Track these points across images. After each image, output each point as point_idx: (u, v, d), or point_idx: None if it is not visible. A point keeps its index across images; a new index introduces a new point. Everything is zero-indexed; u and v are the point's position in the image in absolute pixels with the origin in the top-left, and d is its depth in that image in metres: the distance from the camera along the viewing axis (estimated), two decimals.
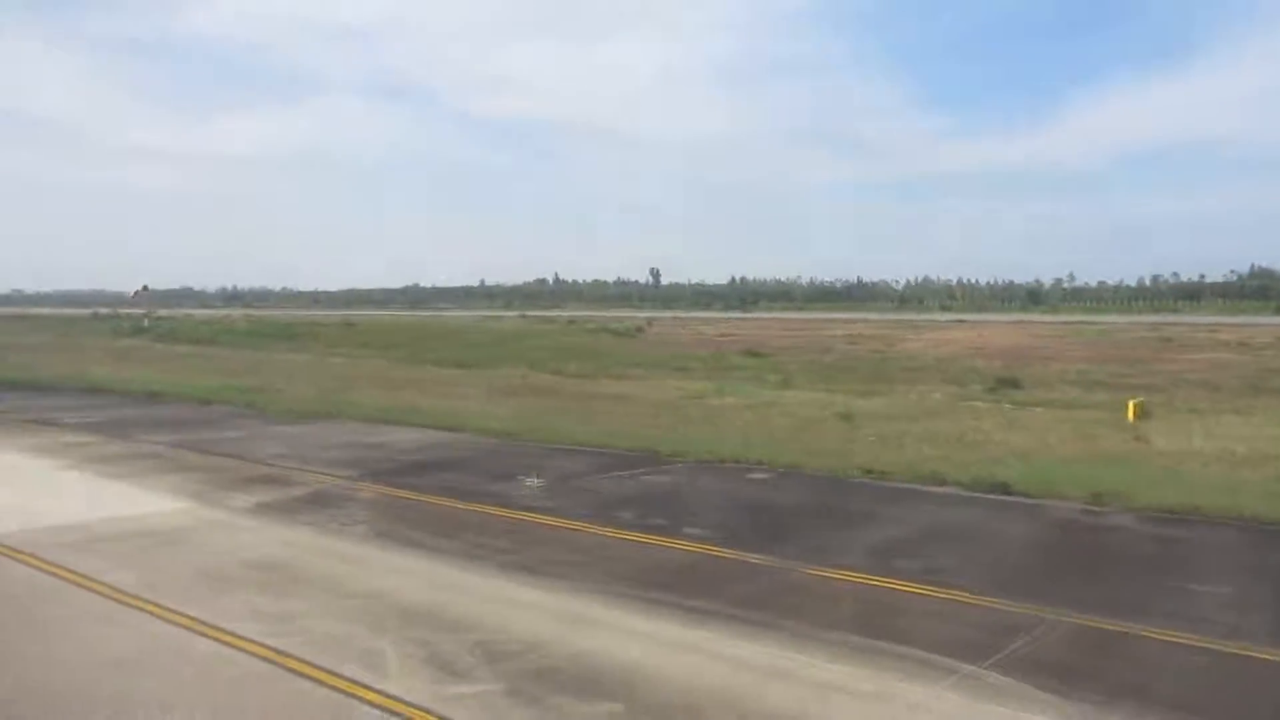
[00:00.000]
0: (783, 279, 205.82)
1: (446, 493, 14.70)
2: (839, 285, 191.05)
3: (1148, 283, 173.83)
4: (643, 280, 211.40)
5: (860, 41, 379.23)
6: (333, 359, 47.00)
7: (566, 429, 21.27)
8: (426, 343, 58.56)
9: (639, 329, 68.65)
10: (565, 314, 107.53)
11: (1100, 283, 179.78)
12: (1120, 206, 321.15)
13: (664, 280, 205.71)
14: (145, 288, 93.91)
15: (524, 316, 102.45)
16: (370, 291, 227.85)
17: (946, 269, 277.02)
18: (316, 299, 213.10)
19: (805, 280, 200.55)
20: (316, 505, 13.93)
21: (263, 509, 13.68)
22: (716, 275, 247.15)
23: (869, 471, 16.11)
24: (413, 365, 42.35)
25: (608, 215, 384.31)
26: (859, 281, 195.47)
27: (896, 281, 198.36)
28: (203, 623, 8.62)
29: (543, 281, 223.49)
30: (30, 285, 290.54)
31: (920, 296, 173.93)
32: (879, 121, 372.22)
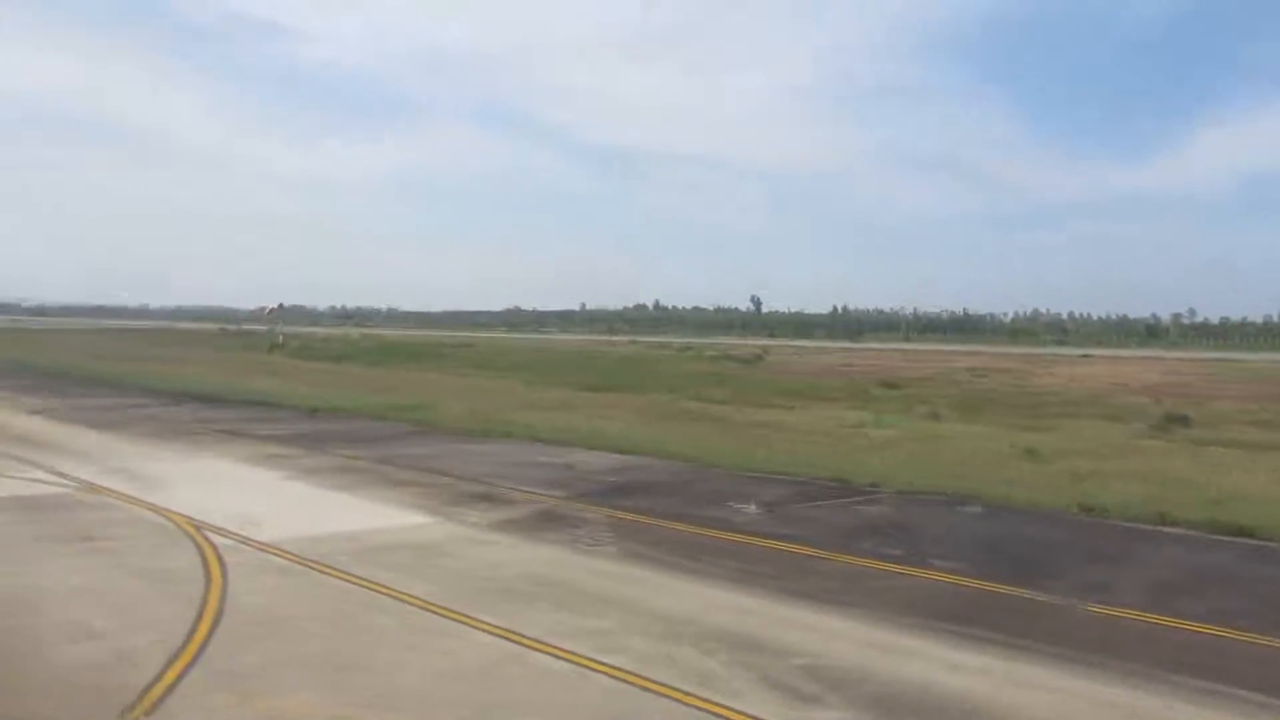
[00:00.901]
0: (885, 309, 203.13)
1: (670, 516, 14.82)
2: (945, 316, 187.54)
3: (1276, 319, 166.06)
4: (743, 307, 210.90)
5: (970, 68, 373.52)
6: (468, 378, 48.01)
7: (746, 455, 21.32)
8: (551, 365, 59.44)
9: (758, 357, 68.39)
10: (677, 340, 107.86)
11: (1223, 319, 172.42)
12: (1241, 238, 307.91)
13: (765, 308, 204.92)
14: (280, 305, 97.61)
15: (634, 342, 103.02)
16: (474, 313, 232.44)
17: (1054, 301, 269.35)
18: (422, 319, 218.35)
19: (909, 311, 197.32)
20: (552, 524, 14.20)
21: (503, 526, 14.02)
22: (817, 304, 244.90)
23: (1089, 509, 15.74)
24: (548, 387, 42.94)
25: (708, 242, 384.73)
26: (965, 314, 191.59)
27: (1004, 314, 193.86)
28: (524, 635, 8.86)
29: (642, 307, 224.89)
30: (144, 300, 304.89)
31: (1031, 329, 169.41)
32: (986, 150, 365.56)
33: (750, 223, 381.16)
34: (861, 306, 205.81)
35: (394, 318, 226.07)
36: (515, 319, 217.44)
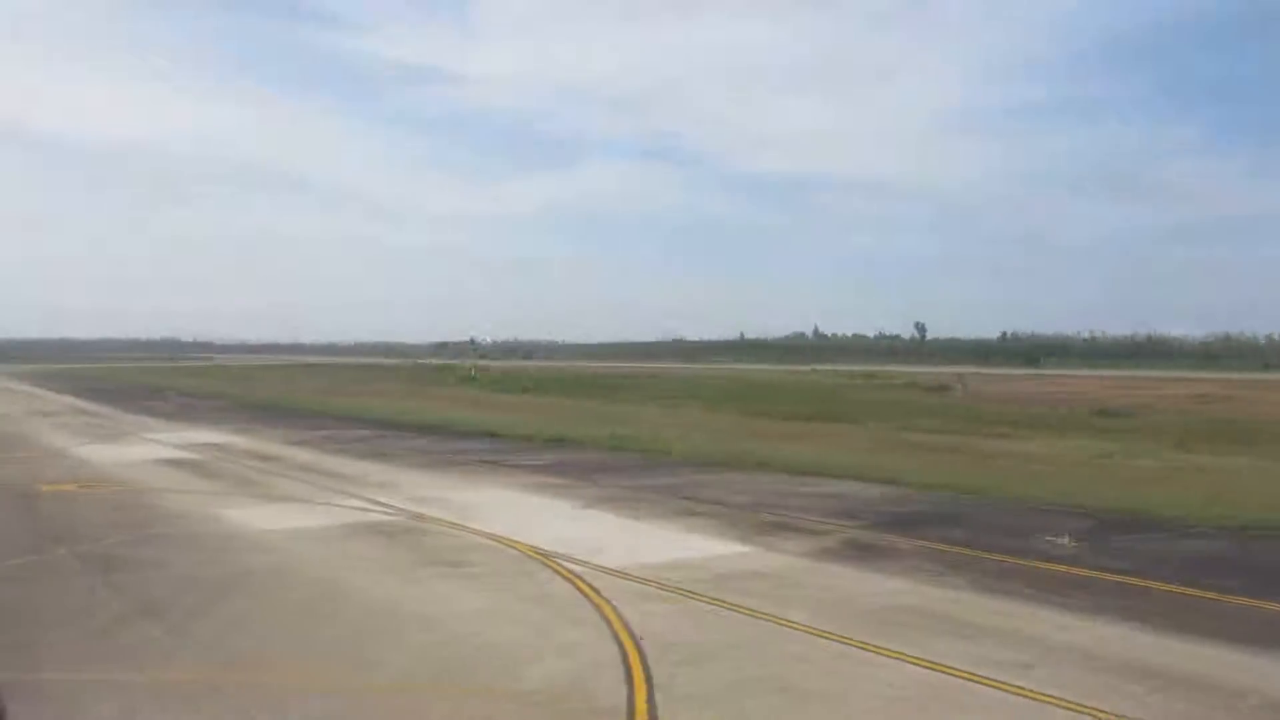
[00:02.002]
0: (1057, 333, 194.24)
1: (985, 548, 14.57)
2: (1126, 340, 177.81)
3: None
4: (906, 334, 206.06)
5: (1145, 80, 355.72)
6: (670, 410, 48.59)
7: (1011, 487, 20.82)
8: (743, 395, 59.61)
9: (948, 385, 66.59)
10: (844, 367, 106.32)
11: None
12: None
13: (929, 334, 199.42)
14: (473, 340, 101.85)
15: (814, 370, 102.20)
16: (634, 345, 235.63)
17: (1245, 322, 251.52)
18: (585, 351, 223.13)
19: (1087, 334, 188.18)
20: (872, 554, 14.21)
21: (825, 555, 14.14)
22: (983, 329, 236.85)
23: None
24: (755, 417, 43.03)
25: (867, 267, 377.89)
26: (1149, 336, 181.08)
27: (1188, 336, 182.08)
28: (950, 666, 8.88)
29: (801, 335, 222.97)
30: (312, 337, 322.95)
31: (1229, 352, 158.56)
32: (1165, 165, 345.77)
33: (910, 247, 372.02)
34: (1032, 331, 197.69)
35: (557, 350, 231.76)
36: (676, 350, 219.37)
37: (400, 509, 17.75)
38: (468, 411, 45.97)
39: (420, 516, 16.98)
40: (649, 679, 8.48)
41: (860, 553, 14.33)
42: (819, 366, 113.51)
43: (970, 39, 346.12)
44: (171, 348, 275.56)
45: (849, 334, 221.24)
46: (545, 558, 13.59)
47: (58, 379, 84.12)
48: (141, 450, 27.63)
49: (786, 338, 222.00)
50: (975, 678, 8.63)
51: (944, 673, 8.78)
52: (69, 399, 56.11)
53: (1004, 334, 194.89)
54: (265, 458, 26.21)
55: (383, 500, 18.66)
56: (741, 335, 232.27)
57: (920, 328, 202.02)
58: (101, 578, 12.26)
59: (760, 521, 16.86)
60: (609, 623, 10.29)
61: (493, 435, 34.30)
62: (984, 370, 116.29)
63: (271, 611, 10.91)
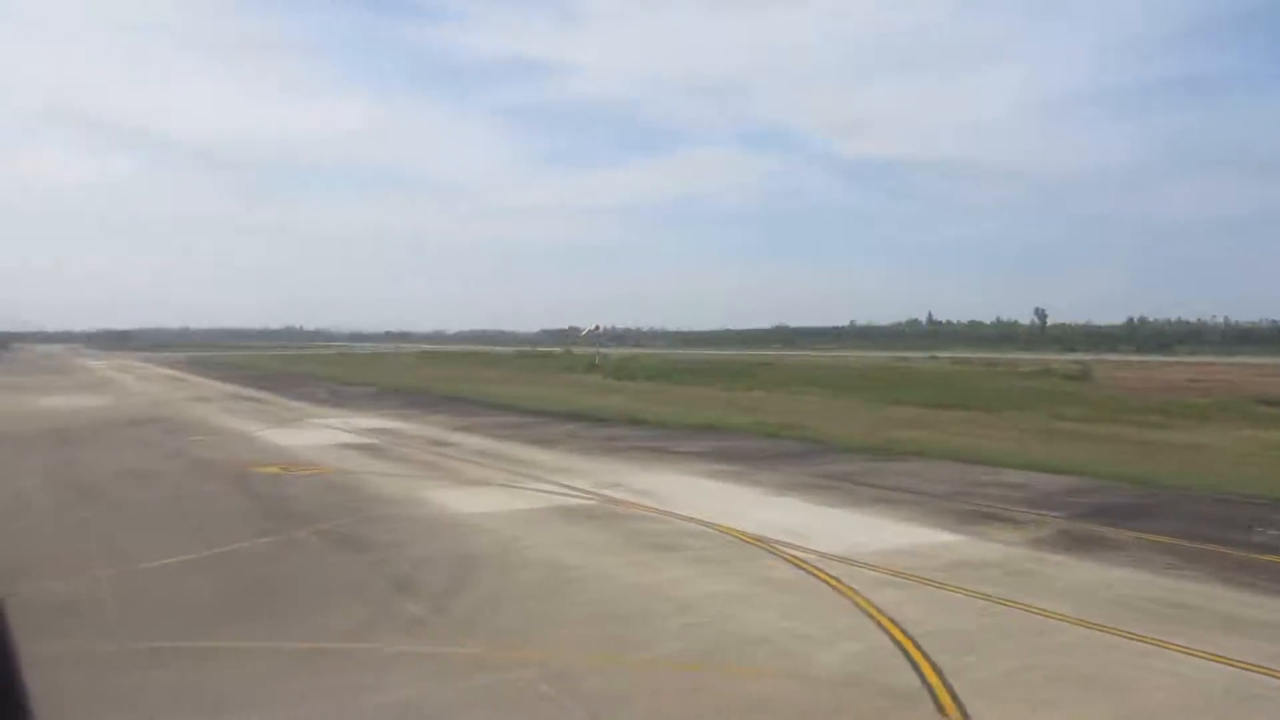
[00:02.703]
0: (1185, 319, 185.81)
1: (1204, 539, 14.20)
2: (1269, 325, 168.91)
3: None
4: (1024, 320, 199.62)
5: (1267, 53, 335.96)
6: (802, 396, 48.35)
7: (1199, 478, 20.17)
8: (870, 382, 58.83)
9: (1083, 372, 64.42)
10: (963, 355, 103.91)
11: None
12: None
13: (1049, 320, 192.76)
14: (598, 327, 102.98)
15: (934, 358, 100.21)
16: (739, 332, 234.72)
17: None
18: (692, 338, 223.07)
19: (1220, 320, 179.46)
20: (1088, 545, 13.96)
21: (1042, 544, 13.96)
22: (1108, 315, 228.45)
23: None
24: (888, 405, 42.47)
25: (982, 252, 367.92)
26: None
27: None
28: (1247, 662, 8.72)
29: (914, 322, 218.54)
30: (419, 325, 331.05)
31: None
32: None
33: (1026, 230, 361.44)
34: (1159, 316, 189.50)
35: (661, 337, 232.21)
36: (781, 337, 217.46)
37: (591, 493, 18.18)
38: (602, 398, 46.59)
39: (614, 500, 17.37)
40: (935, 666, 8.56)
41: (1078, 543, 14.09)
42: (938, 354, 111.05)
43: (1089, 14, 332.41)
44: (293, 336, 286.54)
45: (963, 320, 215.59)
46: (761, 543, 13.77)
47: (201, 366, 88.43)
48: (319, 435, 28.89)
49: (897, 324, 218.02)
50: (1267, 671, 8.47)
51: (1228, 665, 8.64)
52: (221, 385, 59.00)
53: (1130, 319, 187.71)
54: (438, 443, 27.11)
55: (570, 485, 19.14)
56: (851, 322, 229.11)
57: (1040, 313, 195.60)
58: (350, 556, 12.94)
59: (958, 510, 16.72)
60: (862, 609, 10.41)
61: (638, 422, 34.64)
62: (1113, 357, 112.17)
63: (515, 590, 11.30)
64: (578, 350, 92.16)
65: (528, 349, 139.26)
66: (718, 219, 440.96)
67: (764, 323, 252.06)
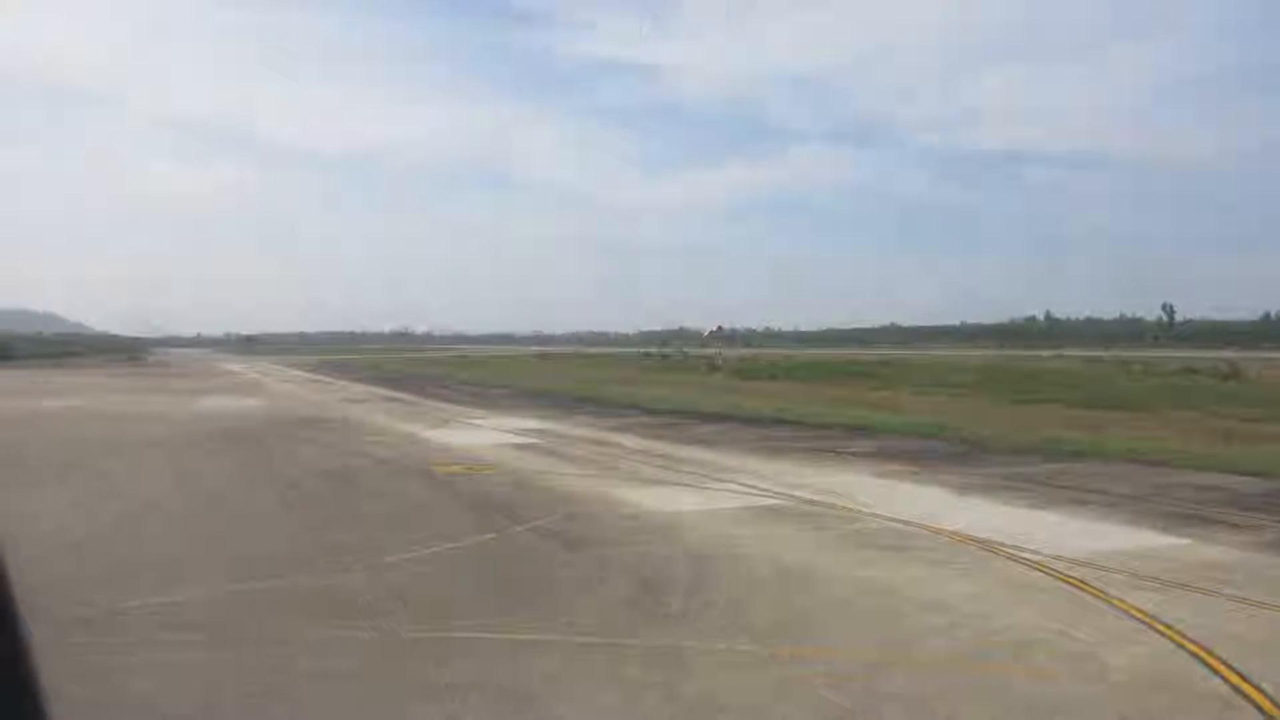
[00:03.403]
0: None
1: None
2: None
3: None
4: (1150, 316, 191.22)
5: None
6: (930, 396, 47.47)
7: None
8: (994, 382, 57.39)
9: (1232, 372, 61.40)
10: (1100, 354, 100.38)
11: None
12: None
13: (1177, 315, 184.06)
14: (720, 327, 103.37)
15: (1059, 356, 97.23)
16: (847, 331, 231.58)
17: None
18: (801, 338, 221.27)
19: None
20: None
21: (1266, 548, 13.44)
22: (1240, 310, 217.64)
23: None
24: (1020, 405, 41.37)
25: (1098, 247, 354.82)
26: None
27: None
28: None
29: (1030, 320, 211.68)
30: (522, 327, 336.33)
31: None
32: None
33: (1146, 223, 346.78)
34: None
35: (770, 338, 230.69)
36: (891, 336, 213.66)
37: (779, 493, 18.22)
38: (736, 399, 46.58)
39: (807, 500, 17.37)
40: (1236, 670, 8.33)
41: None
42: (1063, 352, 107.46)
43: None
44: (404, 339, 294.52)
45: (1080, 317, 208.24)
46: (980, 545, 13.60)
47: (332, 369, 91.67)
48: (480, 436, 29.65)
49: (1012, 322, 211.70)
50: None
51: None
52: (362, 386, 61.12)
53: (1268, 314, 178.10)
54: (598, 443, 27.54)
55: (752, 484, 19.23)
56: (962, 321, 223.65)
57: (1168, 309, 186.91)
58: (576, 553, 13.25)
59: (1163, 512, 16.17)
60: (1125, 611, 10.18)
61: (783, 422, 34.47)
62: (1256, 355, 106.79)
63: (758, 588, 11.36)
64: (688, 351, 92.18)
65: (638, 350, 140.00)
66: (821, 217, 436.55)
67: (871, 322, 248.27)
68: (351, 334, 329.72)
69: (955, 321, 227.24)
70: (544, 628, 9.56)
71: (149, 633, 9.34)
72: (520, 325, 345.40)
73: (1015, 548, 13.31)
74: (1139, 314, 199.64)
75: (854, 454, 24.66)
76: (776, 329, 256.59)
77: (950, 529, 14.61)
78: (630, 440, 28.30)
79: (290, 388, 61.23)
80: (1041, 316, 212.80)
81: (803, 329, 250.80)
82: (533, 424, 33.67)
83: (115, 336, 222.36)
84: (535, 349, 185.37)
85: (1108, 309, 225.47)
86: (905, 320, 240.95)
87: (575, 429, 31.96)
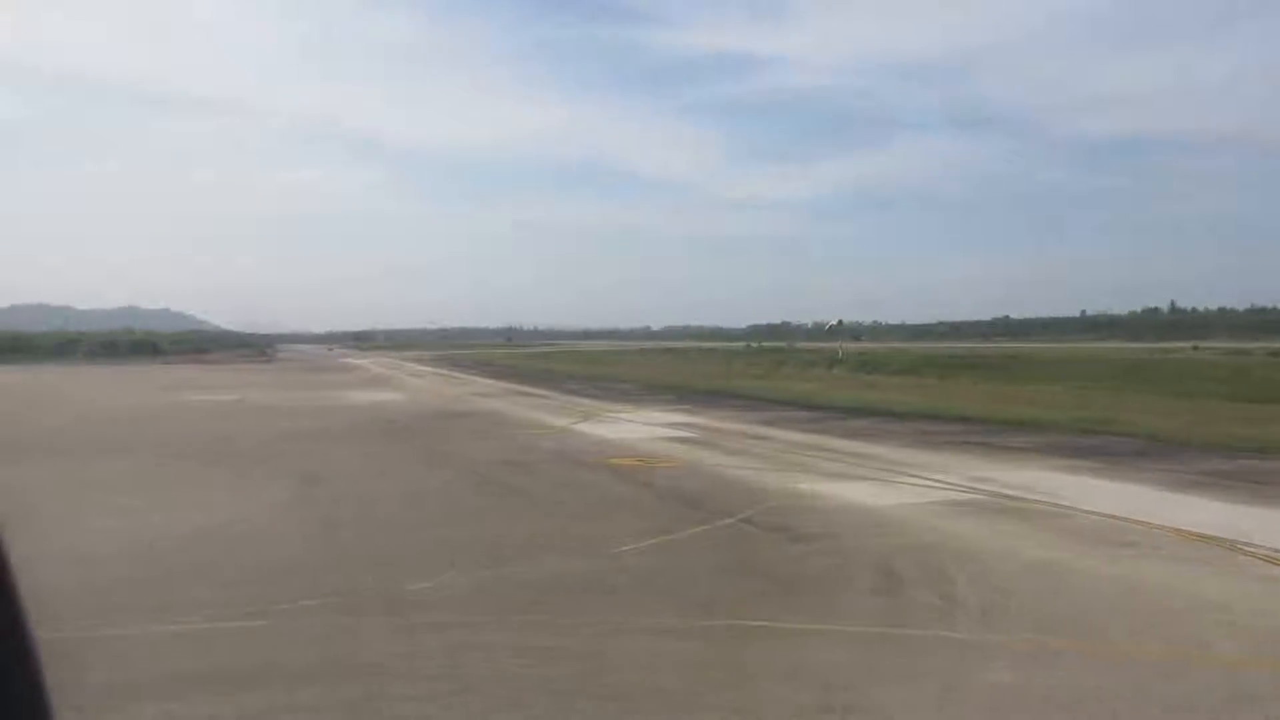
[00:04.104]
0: None
1: None
2: None
3: None
4: None
5: None
6: (1071, 391, 46.06)
7: None
8: (1132, 376, 55.49)
9: None
10: (1241, 345, 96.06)
11: None
12: None
13: None
14: (840, 322, 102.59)
15: (1197, 348, 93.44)
16: (958, 324, 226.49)
17: None
18: (910, 331, 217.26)
19: None
20: None
21: None
22: None
23: None
24: (1184, 399, 39.79)
25: (1230, 235, 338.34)
26: None
27: None
28: None
29: (1154, 310, 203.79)
30: (626, 322, 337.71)
31: None
32: None
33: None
34: None
35: (880, 331, 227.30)
36: (1004, 329, 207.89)
37: (968, 487, 17.96)
38: (869, 393, 46.16)
39: (1002, 495, 17.08)
40: None
41: None
42: (1200, 344, 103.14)
43: None
44: (509, 334, 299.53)
45: (1214, 308, 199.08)
46: (1215, 542, 13.17)
47: (453, 364, 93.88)
48: (633, 429, 29.97)
49: (1137, 313, 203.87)
50: None
51: None
52: (488, 381, 62.49)
53: None
54: (754, 437, 27.60)
55: (936, 479, 19.02)
56: (1082, 312, 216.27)
57: None
58: (796, 546, 13.29)
59: None
60: None
61: (935, 417, 33.82)
62: None
63: (1006, 582, 11.04)
64: (797, 345, 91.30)
65: (743, 345, 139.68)
66: (932, 207, 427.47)
67: (982, 315, 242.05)
68: (458, 330, 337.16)
69: (1073, 313, 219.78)
70: (817, 617, 9.63)
71: (459, 614, 9.74)
72: (623, 321, 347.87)
73: (1252, 545, 12.87)
74: (1272, 304, 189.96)
75: (1027, 449, 24.18)
76: (883, 323, 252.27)
77: (1171, 526, 14.21)
78: (783, 434, 28.29)
79: (421, 382, 62.94)
80: (1166, 307, 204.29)
81: (911, 322, 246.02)
82: (676, 418, 33.91)
83: (238, 333, 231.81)
84: (642, 344, 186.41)
85: (1241, 298, 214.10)
86: (1017, 313, 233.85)
87: (721, 423, 32.06)
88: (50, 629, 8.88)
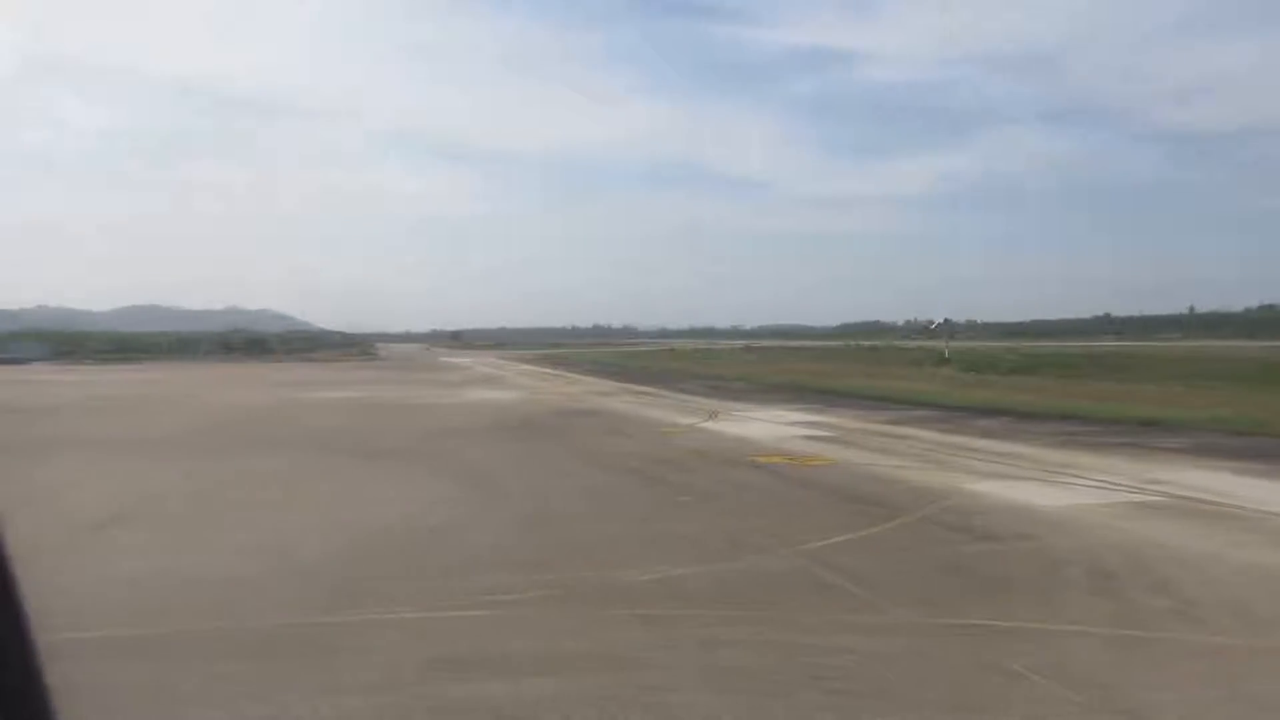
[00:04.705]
0: None
1: None
2: None
3: None
4: None
5: None
6: (1203, 391, 44.36)
7: None
8: (1267, 377, 53.11)
9: None
10: None
11: None
12: None
13: None
14: (946, 320, 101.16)
15: None
16: (1056, 323, 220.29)
17: None
18: (1005, 330, 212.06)
19: None
20: None
21: None
22: None
23: None
24: None
25: None
26: None
27: None
28: None
29: (1270, 307, 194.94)
30: (718, 321, 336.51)
31: None
32: None
33: None
34: None
35: (972, 330, 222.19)
36: (1106, 327, 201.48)
37: (1140, 488, 17.51)
38: (988, 392, 45.34)
39: (1181, 498, 16.57)
40: None
41: None
42: None
43: None
44: (602, 333, 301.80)
45: None
46: None
47: (553, 362, 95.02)
48: (761, 428, 29.87)
49: (1253, 310, 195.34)
50: None
51: None
52: (595, 379, 63.13)
53: None
54: (890, 436, 27.33)
55: (1105, 480, 18.56)
56: (1190, 309, 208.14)
57: None
58: (987, 545, 13.14)
59: None
60: None
61: (1070, 417, 32.90)
62: None
63: (1236, 588, 10.80)
64: (896, 344, 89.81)
65: (842, 343, 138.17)
66: (1026, 202, 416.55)
67: (1082, 312, 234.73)
68: (551, 329, 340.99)
69: (1181, 310, 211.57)
70: (1044, 617, 9.53)
71: (683, 608, 9.94)
72: (717, 319, 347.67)
73: None
74: None
75: (1182, 450, 23.43)
76: (978, 321, 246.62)
77: None
78: (919, 433, 27.95)
79: (530, 381, 63.84)
80: None
81: (1006, 320, 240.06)
82: (802, 416, 33.78)
83: (338, 333, 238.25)
84: (740, 343, 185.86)
85: None
86: (1119, 310, 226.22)
87: (850, 422, 31.79)
88: (333, 614, 9.28)
